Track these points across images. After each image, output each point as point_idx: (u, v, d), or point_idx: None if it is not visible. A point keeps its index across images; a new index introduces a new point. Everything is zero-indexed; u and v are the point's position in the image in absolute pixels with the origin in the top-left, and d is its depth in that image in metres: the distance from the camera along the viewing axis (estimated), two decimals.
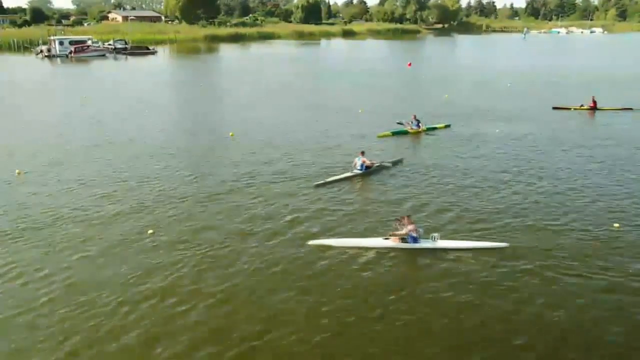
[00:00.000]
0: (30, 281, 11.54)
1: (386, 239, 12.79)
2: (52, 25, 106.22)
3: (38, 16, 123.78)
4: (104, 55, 77.54)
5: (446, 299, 10.76)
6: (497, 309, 10.40)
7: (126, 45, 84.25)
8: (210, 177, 18.89)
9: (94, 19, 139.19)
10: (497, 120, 28.66)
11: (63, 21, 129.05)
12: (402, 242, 12.64)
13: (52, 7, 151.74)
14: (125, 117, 30.63)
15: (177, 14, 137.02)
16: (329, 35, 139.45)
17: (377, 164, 19.19)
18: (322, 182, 17.76)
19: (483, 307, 10.46)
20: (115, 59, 75.78)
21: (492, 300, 10.69)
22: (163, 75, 56.98)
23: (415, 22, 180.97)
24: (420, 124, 25.69)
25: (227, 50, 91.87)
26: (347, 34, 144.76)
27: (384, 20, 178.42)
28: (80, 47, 76.02)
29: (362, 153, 18.94)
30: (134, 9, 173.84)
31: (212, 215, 15.20)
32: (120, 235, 13.83)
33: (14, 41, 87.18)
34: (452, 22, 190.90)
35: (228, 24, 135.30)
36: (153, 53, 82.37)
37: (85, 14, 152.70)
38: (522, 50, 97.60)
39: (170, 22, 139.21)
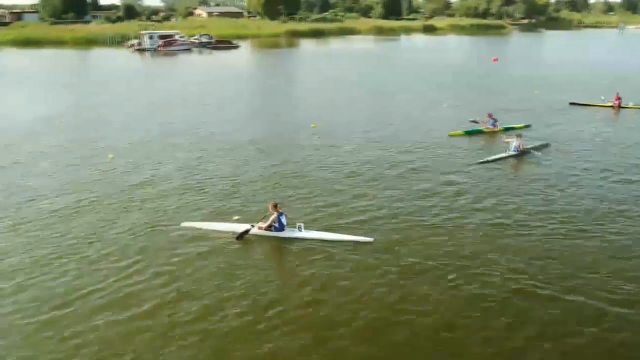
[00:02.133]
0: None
1: (252, 226, 12.72)
2: (143, 21, 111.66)
3: (130, 13, 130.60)
4: (189, 49, 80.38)
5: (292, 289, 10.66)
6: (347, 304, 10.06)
7: (211, 40, 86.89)
8: (296, 164, 18.88)
9: (181, 15, 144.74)
10: (592, 122, 26.51)
11: (153, 17, 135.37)
12: (267, 230, 12.67)
13: (142, 4, 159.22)
14: (209, 107, 31.41)
15: (259, 9, 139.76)
16: (409, 31, 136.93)
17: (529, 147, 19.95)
18: (484, 160, 19.10)
19: (328, 302, 10.15)
20: (200, 52, 78.40)
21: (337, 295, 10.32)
22: (245, 67, 58.17)
23: (500, 18, 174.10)
24: (496, 123, 23.78)
25: (307, 45, 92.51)
26: (428, 30, 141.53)
27: (467, 16, 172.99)
28: (168, 41, 79.33)
29: (519, 136, 20.06)
30: (218, 5, 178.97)
31: (298, 202, 15.06)
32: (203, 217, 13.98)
33: (108, 36, 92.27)
34: (539, 18, 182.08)
35: (308, 19, 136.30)
36: (236, 47, 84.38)
37: (173, 10, 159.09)
38: (620, 46, 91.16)
39: (252, 17, 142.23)
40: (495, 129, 23.58)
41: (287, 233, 12.66)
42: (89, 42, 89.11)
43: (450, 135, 23.23)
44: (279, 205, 12.85)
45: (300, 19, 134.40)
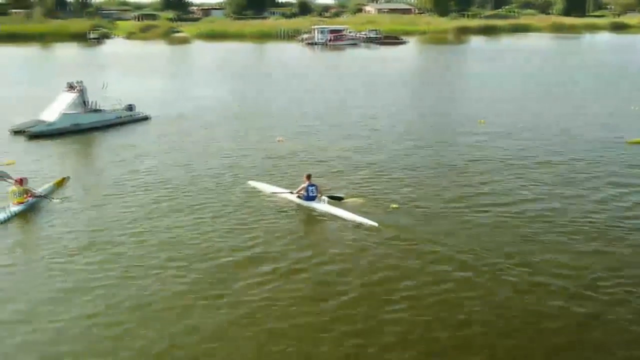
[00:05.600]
0: None
1: (291, 192, 14.01)
2: (315, 17, 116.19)
3: (304, 9, 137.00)
4: (356, 43, 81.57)
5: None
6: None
7: (378, 35, 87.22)
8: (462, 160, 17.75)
9: (351, 11, 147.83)
10: None
11: (324, 13, 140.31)
12: (298, 196, 13.80)
13: (315, 1, 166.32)
14: (369, 98, 31.22)
15: (429, 6, 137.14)
16: (594, 28, 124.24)
17: None
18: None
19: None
20: (367, 47, 79.01)
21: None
22: (411, 62, 57.21)
23: None
24: None
25: (476, 42, 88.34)
26: (618, 28, 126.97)
27: None
28: (337, 36, 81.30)
29: None
30: (387, 1, 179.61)
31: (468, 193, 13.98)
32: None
33: (282, 30, 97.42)
34: None
35: (480, 16, 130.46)
36: (403, 43, 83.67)
37: (344, 7, 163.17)
38: None
39: (421, 14, 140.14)
40: None
41: (311, 203, 13.55)
42: (264, 36, 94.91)
43: (630, 143, 20.18)
44: (311, 177, 13.80)
45: (472, 15, 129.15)
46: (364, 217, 12.67)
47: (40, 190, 14.60)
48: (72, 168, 17.83)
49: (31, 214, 13.56)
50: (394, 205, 13.62)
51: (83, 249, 11.49)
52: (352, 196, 14.20)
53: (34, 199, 13.94)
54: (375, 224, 12.29)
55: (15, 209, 13.40)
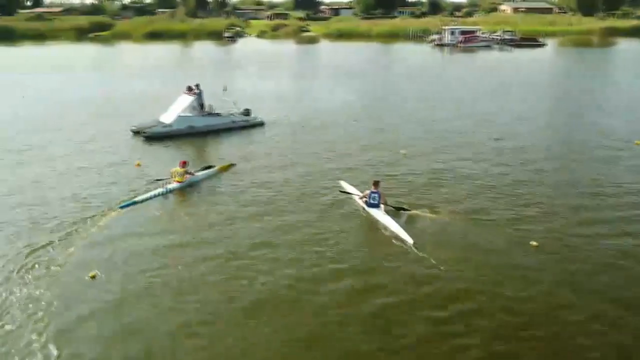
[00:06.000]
0: None
1: (360, 197, 14.43)
2: (446, 16, 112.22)
3: (434, 8, 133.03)
4: (489, 45, 77.14)
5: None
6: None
7: (514, 37, 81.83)
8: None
9: (484, 10, 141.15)
10: None
11: (455, 13, 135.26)
12: (363, 201, 14.18)
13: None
14: (500, 106, 28.77)
15: (572, 5, 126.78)
16: None
17: None
18: None
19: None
20: (501, 49, 74.36)
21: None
22: (550, 67, 52.69)
23: None
24: None
25: (626, 46, 79.48)
26: None
27: None
28: (468, 37, 77.47)
29: None
30: (525, 0, 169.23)
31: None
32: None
33: (410, 30, 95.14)
34: None
35: (633, 16, 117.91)
36: (541, 45, 77.74)
37: (477, 5, 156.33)
38: None
39: (562, 13, 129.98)
40: None
41: (372, 210, 13.76)
42: (392, 36, 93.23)
43: None
44: (378, 185, 13.97)
45: (623, 15, 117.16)
46: (408, 232, 12.39)
47: (202, 173, 17.05)
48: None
49: (185, 192, 15.84)
50: (533, 244, 11.78)
51: (214, 226, 13.28)
52: (434, 211, 13.86)
53: (191, 179, 16.38)
54: (411, 241, 11.99)
55: (172, 186, 15.87)
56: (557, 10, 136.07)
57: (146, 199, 14.94)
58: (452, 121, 25.57)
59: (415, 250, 11.69)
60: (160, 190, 15.58)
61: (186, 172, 16.27)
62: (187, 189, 16.01)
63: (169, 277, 10.72)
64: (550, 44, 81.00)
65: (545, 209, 14.09)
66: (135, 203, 14.61)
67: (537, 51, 71.84)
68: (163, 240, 12.41)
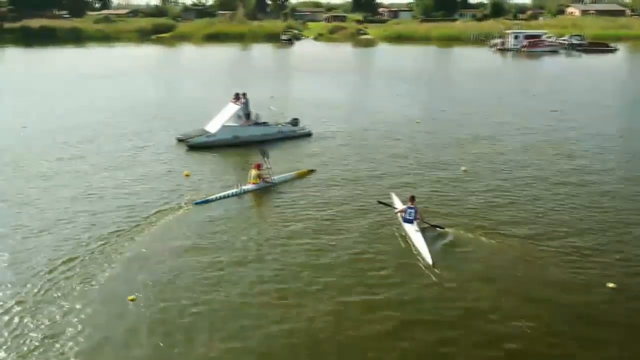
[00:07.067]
0: None
1: (395, 208, 14.57)
2: (509, 19, 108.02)
3: (497, 11, 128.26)
4: (555, 51, 73.32)
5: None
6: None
7: (582, 41, 77.55)
8: None
9: (550, 13, 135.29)
10: None
11: (519, 15, 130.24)
12: (400, 215, 14.09)
13: (510, 1, 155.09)
14: (562, 120, 26.74)
15: None
16: None
17: None
18: None
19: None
20: (568, 55, 70.59)
21: None
22: (622, 74, 49.29)
23: None
24: None
25: None
26: None
27: None
28: (533, 42, 73.87)
29: None
30: (594, 2, 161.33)
31: None
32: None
33: (472, 34, 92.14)
34: None
35: None
36: (612, 51, 73.26)
37: (542, 8, 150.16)
38: None
39: (637, 16, 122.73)
40: None
41: (406, 225, 13.60)
42: (451, 39, 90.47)
43: None
44: (414, 200, 13.89)
45: None
46: (432, 252, 12.19)
47: (279, 177, 17.43)
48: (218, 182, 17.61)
49: (259, 195, 16.53)
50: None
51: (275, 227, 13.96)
52: (475, 233, 13.30)
53: (265, 184, 16.94)
54: (430, 262, 11.84)
55: (247, 187, 16.60)
56: (630, 13, 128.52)
57: (220, 198, 15.84)
58: (515, 136, 23.93)
59: (433, 271, 11.55)
60: (234, 190, 16.31)
61: (259, 176, 16.78)
62: (262, 192, 16.60)
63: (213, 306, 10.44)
64: (622, 49, 76.29)
65: (621, 247, 12.52)
66: (208, 201, 15.57)
67: (608, 57, 67.73)
68: (209, 257, 12.32)
